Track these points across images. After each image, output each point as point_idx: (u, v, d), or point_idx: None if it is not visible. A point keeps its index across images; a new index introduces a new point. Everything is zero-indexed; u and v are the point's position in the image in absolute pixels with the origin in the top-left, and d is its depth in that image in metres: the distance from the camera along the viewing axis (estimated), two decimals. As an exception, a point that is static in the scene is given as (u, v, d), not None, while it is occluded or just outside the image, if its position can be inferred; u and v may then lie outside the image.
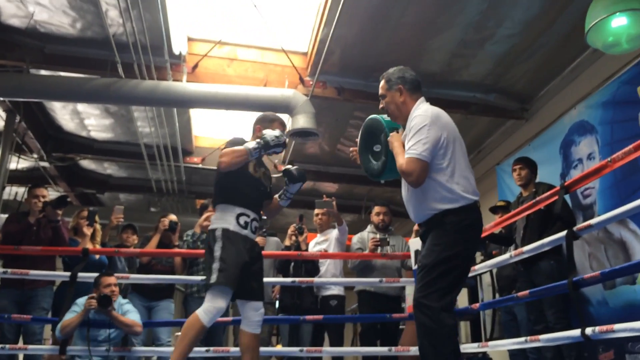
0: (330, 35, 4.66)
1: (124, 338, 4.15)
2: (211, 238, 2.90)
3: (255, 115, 5.90)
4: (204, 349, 4.05)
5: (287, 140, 2.99)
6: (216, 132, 7.08)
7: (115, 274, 4.18)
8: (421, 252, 2.55)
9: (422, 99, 2.65)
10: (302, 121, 5.06)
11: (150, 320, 4.66)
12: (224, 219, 2.92)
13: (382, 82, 2.73)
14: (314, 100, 5.29)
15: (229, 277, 2.75)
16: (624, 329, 2.76)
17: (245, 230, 2.92)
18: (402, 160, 2.46)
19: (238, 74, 5.48)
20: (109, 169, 8.14)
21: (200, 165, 7.36)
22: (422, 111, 2.52)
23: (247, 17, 4.96)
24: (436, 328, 2.27)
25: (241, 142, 3.01)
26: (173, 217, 4.86)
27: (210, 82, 5.21)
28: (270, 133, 2.93)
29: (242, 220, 2.92)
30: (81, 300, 3.91)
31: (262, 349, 3.99)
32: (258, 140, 2.91)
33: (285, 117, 5.62)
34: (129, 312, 4.07)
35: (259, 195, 3.08)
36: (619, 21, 3.49)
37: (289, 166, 3.22)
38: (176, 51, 4.88)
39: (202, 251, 4.51)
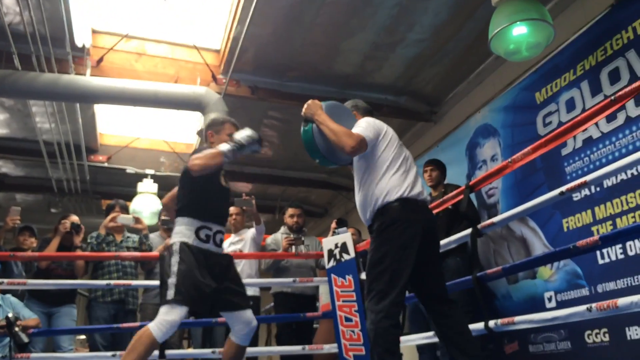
0: (243, 34, 4.60)
1: (21, 345, 3.90)
2: (168, 252, 2.79)
3: (165, 112, 5.79)
4: (110, 354, 3.91)
5: (260, 138, 2.90)
6: (123, 130, 6.78)
7: (11, 280, 3.90)
8: None
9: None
10: (215, 119, 4.95)
11: (51, 327, 4.39)
12: (183, 233, 2.81)
13: None
14: (227, 99, 5.20)
15: (184, 293, 2.65)
16: (523, 320, 2.91)
17: (206, 244, 2.83)
18: (336, 125, 2.66)
19: (147, 69, 5.28)
20: (4, 167, 7.57)
21: (105, 164, 7.03)
22: (366, 119, 2.86)
23: (157, 11, 4.79)
24: (373, 328, 2.46)
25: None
26: (75, 218, 4.59)
27: (116, 77, 4.98)
28: (243, 133, 2.82)
29: (202, 233, 2.82)
30: None
31: (172, 351, 3.90)
32: (231, 142, 2.78)
33: (196, 115, 5.50)
34: (21, 310, 3.99)
35: (225, 206, 3.05)
36: (520, 30, 3.67)
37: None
38: (79, 43, 4.62)
39: (107, 254, 4.37)
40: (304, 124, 2.78)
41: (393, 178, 2.68)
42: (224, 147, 2.76)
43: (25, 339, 3.67)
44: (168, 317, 2.62)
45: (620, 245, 3.39)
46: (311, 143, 2.76)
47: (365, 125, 2.75)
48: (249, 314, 2.93)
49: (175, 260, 2.72)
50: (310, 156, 2.87)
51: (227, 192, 3.02)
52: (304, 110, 2.78)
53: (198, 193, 2.86)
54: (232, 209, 5.00)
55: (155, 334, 2.59)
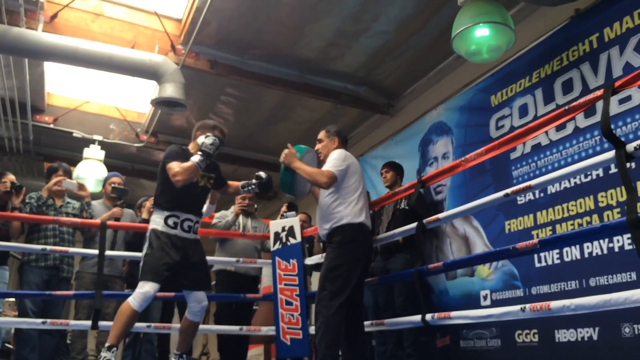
0: (207, 5, 4.49)
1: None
2: (143, 238, 3.28)
3: (119, 77, 5.59)
4: (40, 320, 3.86)
5: (221, 141, 3.32)
6: (73, 92, 6.51)
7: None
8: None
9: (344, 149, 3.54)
10: (170, 90, 4.82)
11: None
12: (154, 221, 3.26)
13: (322, 132, 3.64)
14: (184, 71, 5.07)
15: (147, 273, 3.11)
16: (459, 316, 3.00)
17: (174, 230, 3.24)
18: (316, 171, 3.35)
19: (103, 31, 5.07)
20: (-59, 119, 7.17)
21: (51, 126, 6.75)
22: (338, 152, 3.45)
23: (119, -29, 4.61)
24: (325, 321, 3.09)
25: (180, 152, 3.29)
26: (12, 177, 4.37)
27: (70, 36, 4.77)
28: (206, 142, 3.22)
29: (170, 221, 3.24)
30: None
31: (105, 323, 3.83)
32: (200, 153, 3.21)
33: (152, 84, 5.35)
34: None
35: (196, 198, 3.41)
36: (482, 32, 3.72)
37: (262, 175, 3.69)
38: (33, -4, 4.40)
39: (46, 217, 4.22)
40: (284, 169, 3.46)
41: (357, 206, 3.33)
42: (196, 158, 3.18)
43: None
44: (142, 289, 3.09)
45: (557, 251, 3.52)
46: (289, 184, 3.50)
47: (337, 161, 3.35)
48: (202, 294, 3.35)
49: (145, 246, 3.21)
50: (283, 190, 3.65)
51: (200, 188, 3.42)
52: (282, 158, 3.42)
53: (170, 189, 3.25)
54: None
55: (133, 306, 3.07)
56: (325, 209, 3.37)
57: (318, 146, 3.61)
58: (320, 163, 3.56)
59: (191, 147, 3.44)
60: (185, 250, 3.27)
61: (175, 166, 3.18)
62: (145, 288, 3.08)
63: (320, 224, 3.43)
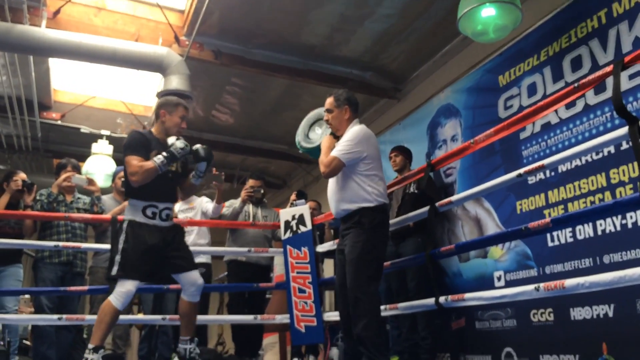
0: (209, -5, 4.46)
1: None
2: (119, 230, 3.13)
3: (124, 71, 5.58)
4: (56, 316, 3.88)
5: (192, 148, 3.23)
6: (79, 87, 6.53)
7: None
8: (346, 249, 3.09)
9: (357, 119, 3.30)
10: (175, 82, 4.82)
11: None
12: (131, 212, 3.14)
13: (330, 99, 3.29)
14: (189, 62, 5.06)
15: (126, 269, 3.02)
16: (472, 297, 2.98)
17: (153, 220, 3.13)
18: (324, 155, 3.13)
19: (106, 25, 5.06)
20: (-51, 119, 7.21)
21: (59, 122, 6.77)
22: (358, 129, 3.18)
23: (119, -36, 4.59)
24: (371, 308, 2.95)
25: (140, 140, 3.13)
26: (23, 175, 4.40)
27: (73, 31, 4.76)
28: (177, 145, 3.11)
29: (149, 211, 3.12)
30: None
31: (122, 317, 3.85)
32: (165, 154, 3.06)
33: (157, 76, 5.34)
34: None
35: (170, 185, 3.27)
36: (488, 11, 3.67)
37: (197, 146, 3.33)
38: (35, -8, 4.40)
39: (58, 214, 4.24)
40: (327, 133, 3.38)
41: (381, 184, 3.13)
42: (159, 159, 3.04)
43: None
44: (122, 288, 3.01)
45: (570, 229, 3.49)
46: (315, 151, 3.46)
47: (349, 145, 3.08)
48: (194, 274, 3.26)
49: (122, 238, 3.07)
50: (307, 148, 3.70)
51: (176, 175, 3.29)
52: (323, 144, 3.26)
53: None
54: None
55: (115, 304, 2.99)
56: (350, 182, 3.09)
57: (327, 116, 3.29)
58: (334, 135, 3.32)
59: (155, 130, 3.27)
60: (164, 238, 3.14)
61: (134, 163, 3.02)
62: (127, 287, 3.00)
63: (340, 202, 3.14)
